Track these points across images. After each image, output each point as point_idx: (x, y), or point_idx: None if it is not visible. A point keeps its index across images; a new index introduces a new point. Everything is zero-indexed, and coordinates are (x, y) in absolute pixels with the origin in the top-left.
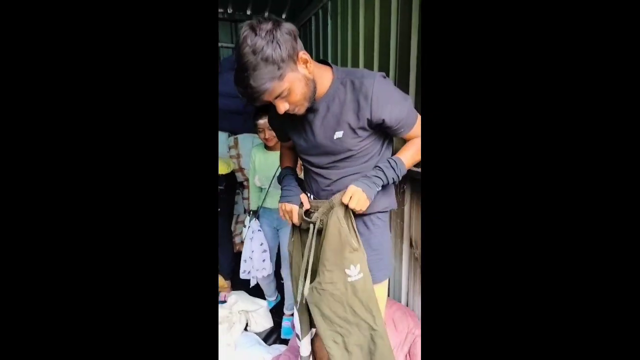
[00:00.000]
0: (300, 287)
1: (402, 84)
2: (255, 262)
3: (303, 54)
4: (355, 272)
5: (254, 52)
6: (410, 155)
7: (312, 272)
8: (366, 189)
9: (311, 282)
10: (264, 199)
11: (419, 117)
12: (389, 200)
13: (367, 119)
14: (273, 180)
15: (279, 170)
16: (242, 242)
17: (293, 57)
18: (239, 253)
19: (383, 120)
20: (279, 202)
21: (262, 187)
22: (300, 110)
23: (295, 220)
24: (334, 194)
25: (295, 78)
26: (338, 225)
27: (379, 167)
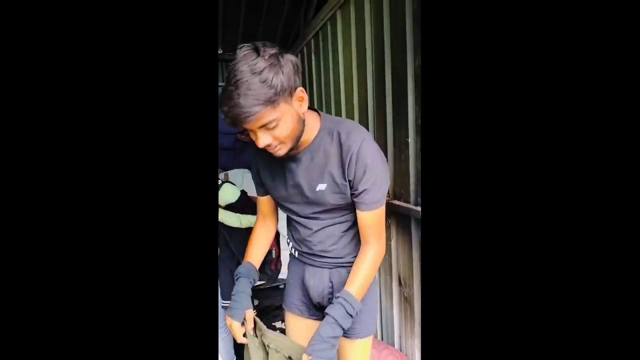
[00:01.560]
0: None
1: (380, 112)
2: None
3: (301, 91)
4: None
5: (252, 71)
6: (360, 284)
7: None
8: (320, 355)
9: None
10: None
11: (383, 200)
12: (372, 323)
13: (350, 180)
14: None
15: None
16: None
17: (290, 90)
18: None
19: (359, 190)
20: (225, 313)
21: None
22: (282, 150)
23: (238, 339)
24: (314, 245)
25: (288, 111)
26: None
27: (332, 316)
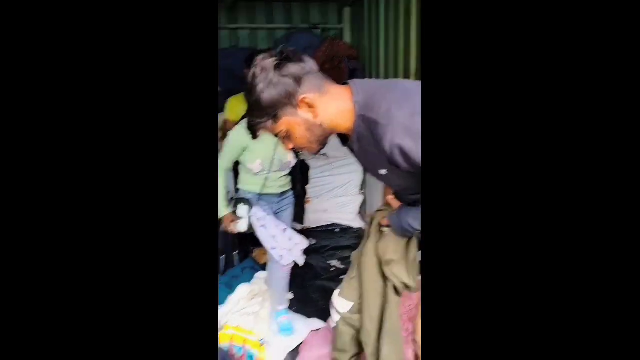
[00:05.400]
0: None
1: None
2: (281, 243)
3: (305, 98)
4: None
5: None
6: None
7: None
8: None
9: None
10: (263, 184)
11: None
12: None
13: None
14: (272, 163)
15: (277, 151)
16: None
17: (291, 101)
18: None
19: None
20: None
21: (263, 171)
22: (311, 150)
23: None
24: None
25: (294, 122)
26: None
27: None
